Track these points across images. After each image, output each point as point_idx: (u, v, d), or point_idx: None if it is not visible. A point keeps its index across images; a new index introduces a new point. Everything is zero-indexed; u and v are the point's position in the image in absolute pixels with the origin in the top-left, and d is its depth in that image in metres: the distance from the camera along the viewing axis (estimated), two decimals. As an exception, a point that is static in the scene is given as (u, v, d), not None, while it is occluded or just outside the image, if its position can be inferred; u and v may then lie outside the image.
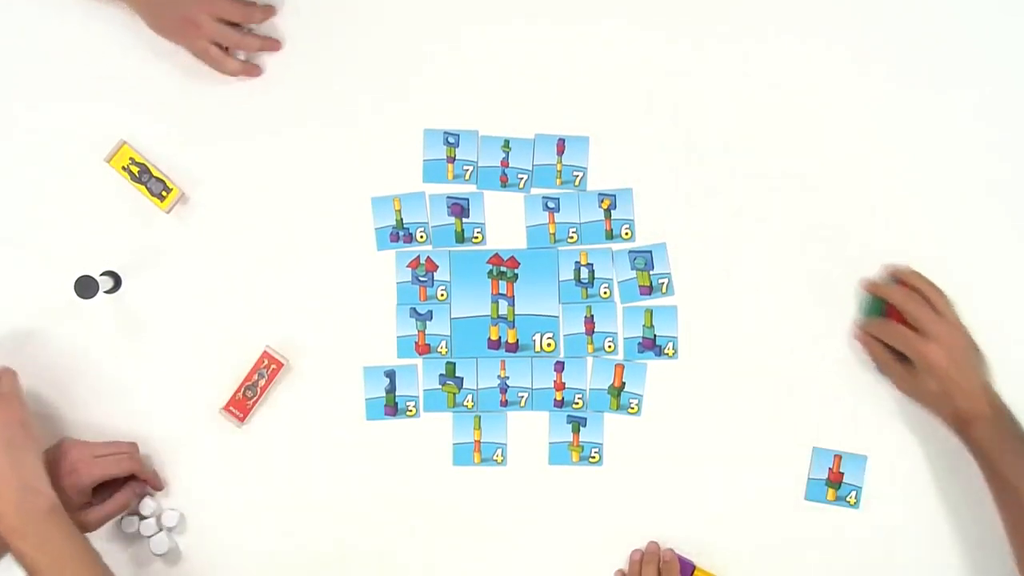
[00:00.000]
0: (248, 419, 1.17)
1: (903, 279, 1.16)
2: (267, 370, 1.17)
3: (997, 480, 1.10)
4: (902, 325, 1.13)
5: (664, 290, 1.19)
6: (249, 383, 1.16)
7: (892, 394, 1.16)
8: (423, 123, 1.20)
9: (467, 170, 1.20)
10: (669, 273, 1.18)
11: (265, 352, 1.17)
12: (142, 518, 1.16)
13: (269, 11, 1.18)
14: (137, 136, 1.19)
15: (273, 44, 1.19)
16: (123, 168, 1.18)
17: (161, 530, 1.16)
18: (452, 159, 1.20)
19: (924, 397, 1.13)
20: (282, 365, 1.17)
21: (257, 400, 1.17)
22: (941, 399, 1.11)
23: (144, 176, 1.18)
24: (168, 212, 1.18)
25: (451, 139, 1.20)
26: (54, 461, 1.10)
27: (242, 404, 1.16)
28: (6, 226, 1.19)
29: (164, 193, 1.18)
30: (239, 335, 1.18)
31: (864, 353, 1.17)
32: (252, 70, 1.19)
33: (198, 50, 1.16)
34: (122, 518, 1.16)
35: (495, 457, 1.18)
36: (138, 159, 1.18)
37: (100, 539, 1.14)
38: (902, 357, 1.13)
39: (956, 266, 1.17)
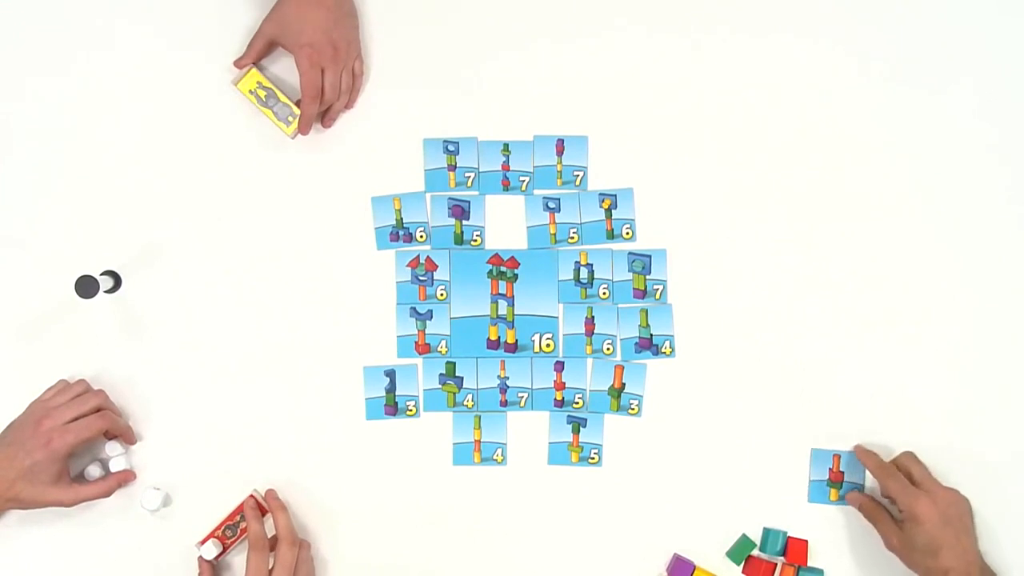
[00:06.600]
0: (224, 556, 1.15)
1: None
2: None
3: None
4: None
5: (658, 296, 1.19)
6: (230, 523, 1.14)
7: (891, 394, 1.17)
8: (422, 132, 1.20)
9: (469, 177, 1.20)
10: (665, 281, 1.19)
11: (252, 495, 1.15)
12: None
13: None
14: (138, 137, 1.20)
15: None
16: (250, 91, 1.16)
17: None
18: (453, 167, 1.20)
19: (910, 554, 1.08)
20: (267, 512, 1.15)
21: (236, 541, 1.14)
22: (928, 557, 1.06)
23: (271, 100, 1.16)
24: (292, 138, 1.17)
25: (451, 147, 1.20)
26: (26, 433, 1.08)
27: (220, 540, 1.14)
28: (6, 226, 1.19)
29: (290, 119, 1.17)
30: (239, 336, 1.18)
31: (861, 460, 1.15)
32: None
33: None
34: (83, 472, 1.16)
35: (495, 457, 1.18)
36: (266, 83, 1.17)
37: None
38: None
39: (956, 266, 1.18)
